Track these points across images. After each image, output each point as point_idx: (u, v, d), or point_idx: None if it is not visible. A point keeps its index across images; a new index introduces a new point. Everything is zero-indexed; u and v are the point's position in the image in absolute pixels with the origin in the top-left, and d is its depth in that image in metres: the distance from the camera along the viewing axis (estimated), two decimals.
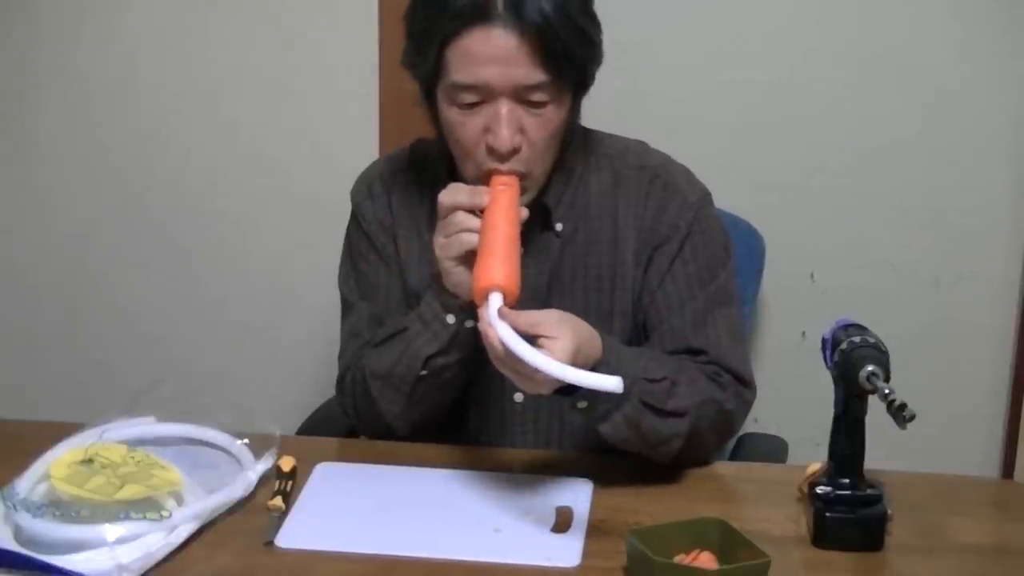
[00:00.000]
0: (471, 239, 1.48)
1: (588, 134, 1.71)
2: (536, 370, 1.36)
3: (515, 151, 1.52)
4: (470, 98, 1.51)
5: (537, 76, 1.49)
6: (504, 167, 1.53)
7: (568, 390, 1.47)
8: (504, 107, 1.50)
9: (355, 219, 1.75)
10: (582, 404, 1.48)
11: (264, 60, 2.38)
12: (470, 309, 1.52)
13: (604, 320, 1.65)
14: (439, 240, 1.52)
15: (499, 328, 1.38)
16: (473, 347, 1.51)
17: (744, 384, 1.64)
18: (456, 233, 1.50)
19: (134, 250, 2.52)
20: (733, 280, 1.71)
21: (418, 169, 1.72)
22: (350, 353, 1.71)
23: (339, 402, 1.74)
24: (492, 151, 1.52)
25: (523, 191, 1.56)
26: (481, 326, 1.41)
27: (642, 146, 1.73)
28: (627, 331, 1.67)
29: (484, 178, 1.54)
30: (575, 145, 1.67)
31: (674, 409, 1.53)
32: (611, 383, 1.33)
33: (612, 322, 1.66)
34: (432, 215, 1.62)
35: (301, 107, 2.40)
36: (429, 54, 1.52)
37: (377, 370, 1.63)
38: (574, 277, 1.67)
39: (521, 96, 1.51)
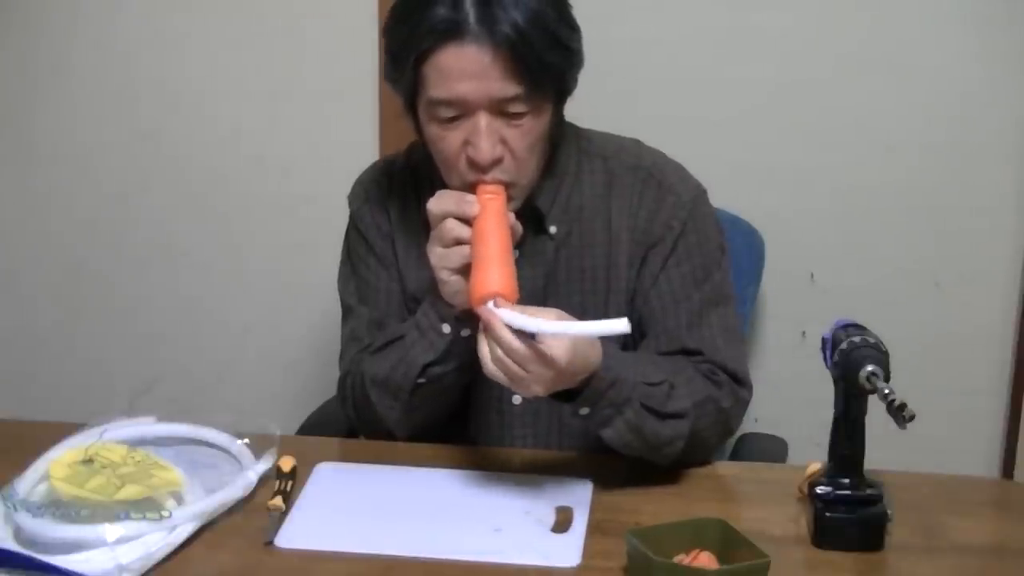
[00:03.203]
0: (465, 251, 1.49)
1: (580, 134, 1.70)
2: (534, 359, 1.38)
3: (497, 162, 1.52)
4: (448, 113, 1.51)
5: (512, 89, 1.49)
6: (487, 178, 1.53)
7: (568, 397, 1.47)
8: (482, 120, 1.50)
9: (353, 224, 1.75)
10: (584, 411, 1.49)
11: (264, 61, 2.38)
12: (466, 318, 1.52)
13: None
14: (435, 250, 1.52)
15: (502, 313, 1.39)
16: (470, 355, 1.51)
17: (740, 383, 1.64)
18: (451, 245, 1.50)
19: (133, 250, 2.52)
20: (729, 279, 1.70)
21: (414, 172, 1.72)
22: (349, 357, 1.71)
23: (340, 404, 1.75)
24: (473, 164, 1.52)
25: (509, 200, 1.55)
26: (485, 319, 1.41)
27: (636, 144, 1.72)
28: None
29: (469, 190, 1.54)
30: (566, 147, 1.67)
31: (674, 411, 1.53)
32: (620, 326, 1.35)
33: None
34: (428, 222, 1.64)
35: (301, 108, 2.40)
36: (406, 70, 1.52)
37: (375, 376, 1.63)
38: (569, 279, 1.67)
39: (499, 109, 1.50)
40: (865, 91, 2.27)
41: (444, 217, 1.50)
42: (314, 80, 2.38)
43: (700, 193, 1.69)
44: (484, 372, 1.43)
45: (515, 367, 1.40)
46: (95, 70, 2.43)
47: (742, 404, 1.65)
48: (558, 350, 1.39)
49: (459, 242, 1.49)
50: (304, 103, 2.40)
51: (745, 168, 2.30)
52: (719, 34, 2.28)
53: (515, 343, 1.38)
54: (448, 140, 1.53)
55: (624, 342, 1.66)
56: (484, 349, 1.42)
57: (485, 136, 1.50)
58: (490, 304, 1.41)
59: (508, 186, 1.54)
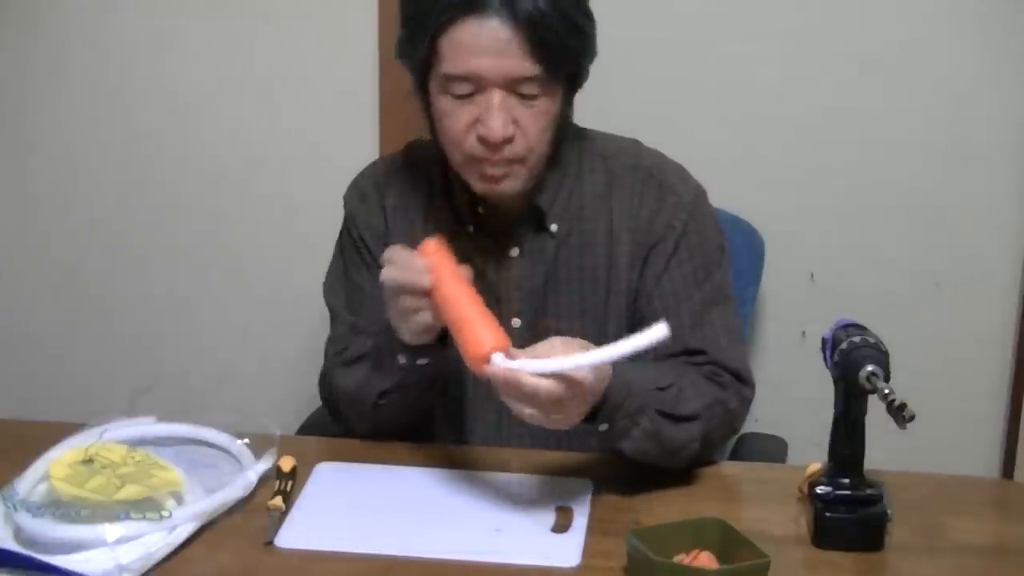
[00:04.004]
0: (426, 317, 1.47)
1: (582, 134, 1.70)
2: (570, 393, 1.36)
3: (507, 141, 1.52)
4: (462, 89, 1.51)
5: (530, 69, 1.49)
6: (495, 156, 1.53)
7: (586, 418, 1.47)
8: (496, 97, 1.50)
9: (347, 226, 1.75)
10: (603, 427, 1.48)
11: (264, 60, 2.38)
12: (422, 350, 1.53)
13: (599, 322, 1.65)
14: (395, 320, 1.51)
15: (525, 366, 1.36)
16: (428, 380, 1.52)
17: (743, 382, 1.64)
18: (411, 315, 1.48)
19: (134, 250, 2.52)
20: (729, 279, 1.70)
21: (412, 171, 1.72)
22: (328, 360, 1.73)
23: (321, 400, 1.76)
24: (484, 141, 1.52)
25: (516, 178, 1.56)
26: (507, 378, 1.37)
27: (636, 145, 1.72)
28: (622, 333, 1.66)
29: (474, 166, 1.55)
30: (569, 145, 1.67)
31: (687, 413, 1.53)
32: (659, 332, 1.34)
33: (607, 324, 1.66)
34: (426, 217, 1.65)
35: (301, 107, 2.40)
36: (422, 44, 1.52)
37: (343, 390, 1.66)
38: (569, 279, 1.67)
39: (513, 88, 1.51)
40: (865, 91, 2.27)
41: (399, 292, 1.48)
42: (314, 80, 2.38)
43: (700, 193, 1.69)
44: (523, 420, 1.41)
45: (555, 410, 1.38)
46: (93, 70, 2.43)
47: (746, 403, 1.65)
48: (583, 373, 1.37)
49: (417, 311, 1.48)
50: (304, 103, 2.40)
51: (745, 168, 2.30)
52: (719, 35, 2.28)
53: (554, 387, 1.36)
54: (458, 117, 1.53)
55: None
56: (516, 406, 1.39)
57: (498, 114, 1.50)
58: (498, 361, 1.38)
59: (516, 163, 1.55)
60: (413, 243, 1.65)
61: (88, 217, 2.51)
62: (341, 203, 1.77)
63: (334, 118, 2.39)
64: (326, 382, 1.72)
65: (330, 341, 1.74)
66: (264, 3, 2.37)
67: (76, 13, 2.40)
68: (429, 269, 1.46)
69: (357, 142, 2.34)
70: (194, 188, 2.47)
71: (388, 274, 1.49)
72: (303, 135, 2.41)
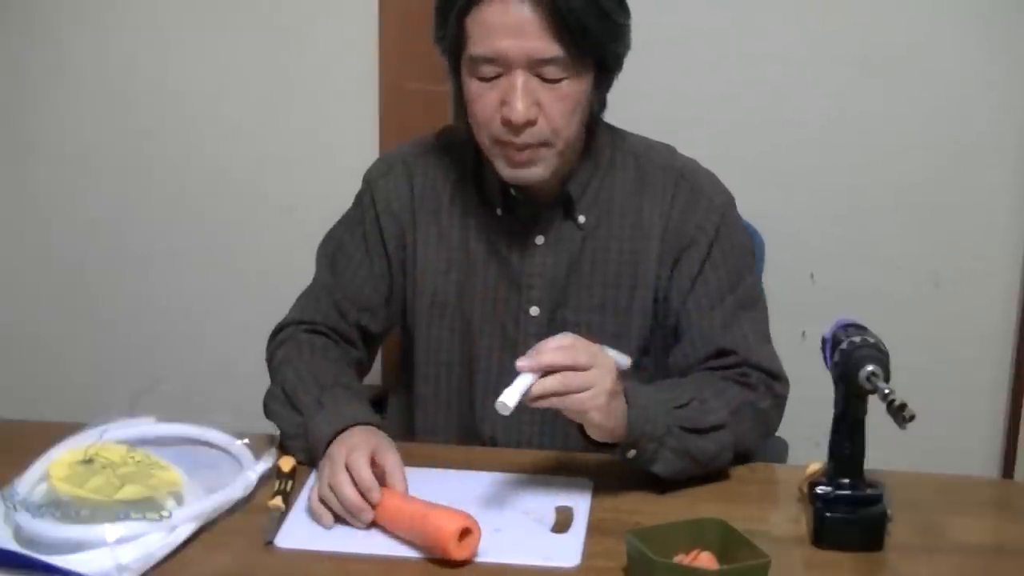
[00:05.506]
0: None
1: (615, 131, 1.72)
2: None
3: (529, 123, 1.54)
4: (488, 71, 1.54)
5: (551, 50, 1.51)
6: (518, 140, 1.54)
7: (614, 443, 1.47)
8: (519, 79, 1.52)
9: (364, 191, 1.75)
10: (631, 453, 1.48)
11: (264, 60, 2.38)
12: None
13: (621, 317, 1.66)
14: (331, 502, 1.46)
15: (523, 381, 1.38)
16: None
17: (775, 378, 1.65)
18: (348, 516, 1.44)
19: (134, 250, 2.52)
20: (759, 283, 1.73)
21: (444, 153, 1.73)
22: (290, 317, 1.76)
23: (267, 351, 1.76)
24: (507, 123, 1.54)
25: (542, 163, 1.57)
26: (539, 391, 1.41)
27: (668, 148, 1.74)
28: (645, 330, 1.67)
29: (500, 148, 1.56)
30: (602, 139, 1.68)
31: (713, 424, 1.53)
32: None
33: (630, 319, 1.67)
34: (454, 199, 1.67)
35: (301, 107, 2.40)
36: (451, 25, 1.55)
37: (271, 390, 1.66)
38: (593, 271, 1.68)
39: (536, 70, 1.53)
40: (866, 92, 2.27)
41: (347, 509, 1.44)
42: (314, 80, 2.38)
43: (731, 199, 1.71)
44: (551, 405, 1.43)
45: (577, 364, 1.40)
46: (95, 70, 2.43)
47: (780, 400, 1.66)
48: (554, 341, 1.40)
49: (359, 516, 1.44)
50: (304, 103, 2.40)
51: (745, 168, 2.29)
52: (719, 35, 2.28)
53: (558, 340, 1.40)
54: (485, 99, 1.55)
55: (645, 346, 1.67)
56: (542, 383, 1.41)
57: (521, 96, 1.52)
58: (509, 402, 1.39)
59: (542, 147, 1.56)
60: (439, 223, 1.66)
61: (88, 217, 2.51)
62: (342, 203, 1.77)
63: (335, 118, 2.39)
64: (277, 337, 1.74)
65: (303, 296, 1.76)
66: (265, 3, 2.37)
67: (76, 13, 2.40)
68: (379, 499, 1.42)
69: (357, 142, 2.34)
70: (195, 188, 2.47)
71: (344, 491, 1.42)
72: (304, 135, 2.41)
